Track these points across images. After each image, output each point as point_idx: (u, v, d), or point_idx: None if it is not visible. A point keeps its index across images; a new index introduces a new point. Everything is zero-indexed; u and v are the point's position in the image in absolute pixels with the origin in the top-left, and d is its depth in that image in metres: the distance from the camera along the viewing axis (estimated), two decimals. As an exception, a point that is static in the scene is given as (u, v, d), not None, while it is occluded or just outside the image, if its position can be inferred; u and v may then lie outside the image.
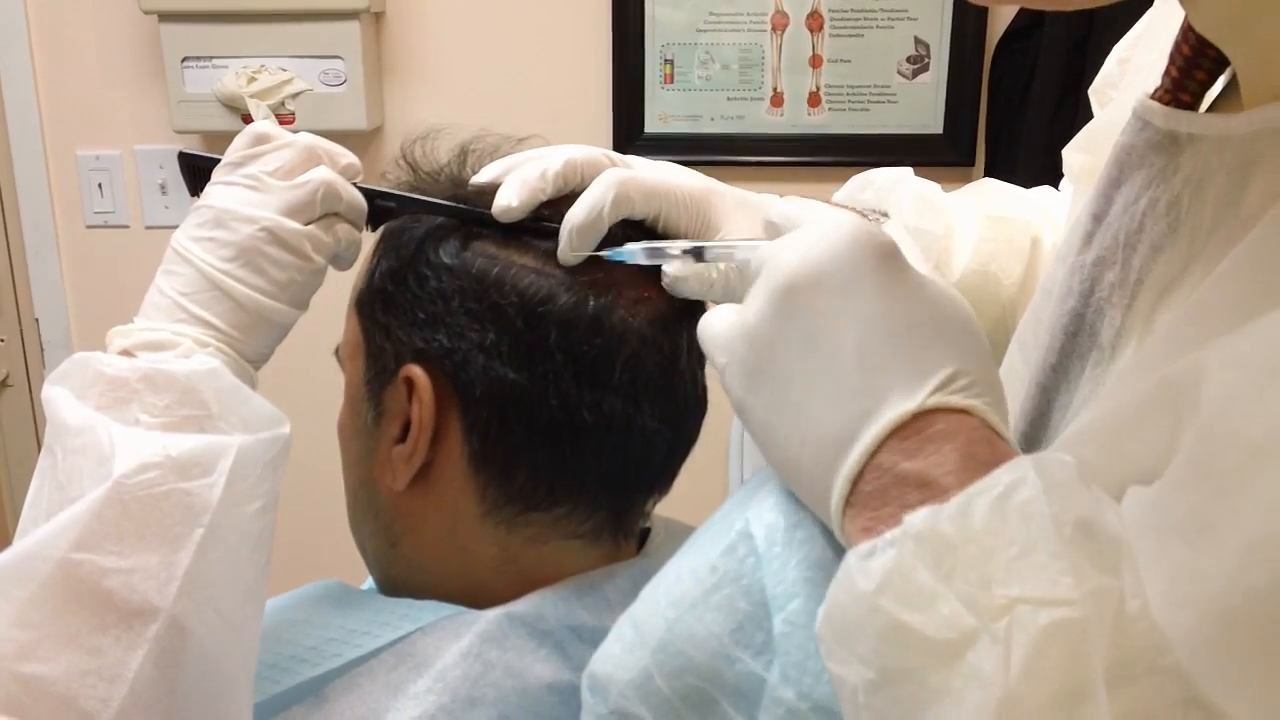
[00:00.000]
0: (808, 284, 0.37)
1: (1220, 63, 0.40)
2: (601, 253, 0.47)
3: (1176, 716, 0.28)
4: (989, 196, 0.66)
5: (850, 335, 0.36)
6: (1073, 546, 0.30)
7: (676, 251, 0.46)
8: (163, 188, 1.59)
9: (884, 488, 0.34)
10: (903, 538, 0.32)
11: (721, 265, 0.46)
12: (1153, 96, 0.41)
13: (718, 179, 0.54)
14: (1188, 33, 0.40)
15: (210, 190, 0.49)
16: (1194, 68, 0.40)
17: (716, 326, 0.40)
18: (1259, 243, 0.33)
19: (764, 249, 0.39)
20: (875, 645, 0.31)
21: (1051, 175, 0.67)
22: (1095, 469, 0.33)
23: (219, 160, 0.50)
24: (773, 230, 0.41)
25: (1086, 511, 0.30)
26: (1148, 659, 0.28)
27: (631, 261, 0.47)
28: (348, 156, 0.52)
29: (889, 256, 0.37)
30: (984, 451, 0.34)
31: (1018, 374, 0.48)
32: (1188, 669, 0.28)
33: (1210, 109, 0.41)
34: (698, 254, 0.46)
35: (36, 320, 1.65)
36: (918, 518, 0.32)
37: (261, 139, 0.50)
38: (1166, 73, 0.41)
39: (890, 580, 0.31)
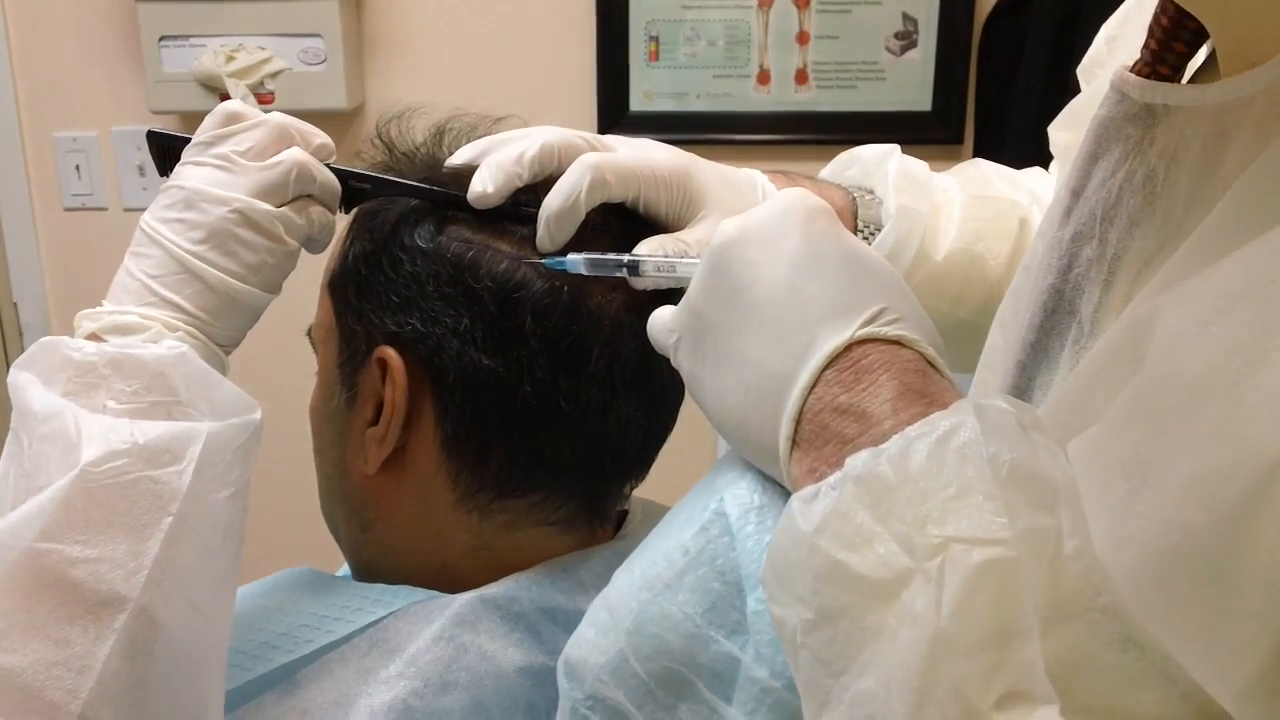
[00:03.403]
0: (741, 238, 0.39)
1: (1200, 35, 0.39)
2: (543, 260, 0.47)
3: (1113, 655, 0.28)
4: (976, 177, 0.66)
5: (781, 278, 0.37)
6: (1007, 488, 0.30)
7: (618, 264, 0.46)
8: (141, 169, 1.57)
9: (824, 423, 0.35)
10: (843, 480, 0.32)
11: (694, 255, 0.46)
12: (1131, 69, 0.41)
13: (704, 158, 0.53)
14: (1166, 3, 0.40)
15: (180, 170, 0.48)
16: (1172, 39, 0.40)
17: (662, 314, 0.43)
18: (1224, 213, 0.33)
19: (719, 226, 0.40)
20: (813, 585, 0.32)
21: (1041, 153, 0.67)
22: (1063, 420, 0.33)
23: (189, 139, 0.49)
24: None
25: (1022, 454, 0.31)
26: (1084, 598, 0.28)
27: (574, 271, 0.47)
28: (320, 137, 0.51)
29: (818, 213, 0.39)
30: (918, 381, 0.35)
31: (999, 352, 0.47)
32: (1127, 608, 0.28)
33: (1191, 81, 0.40)
34: (634, 267, 0.46)
35: (15, 304, 1.63)
36: (858, 460, 0.32)
37: (232, 118, 0.49)
38: (1145, 45, 0.40)
39: (829, 521, 0.32)
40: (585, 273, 0.47)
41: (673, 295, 0.50)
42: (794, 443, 0.36)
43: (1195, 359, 0.27)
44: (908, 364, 0.35)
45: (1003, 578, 0.29)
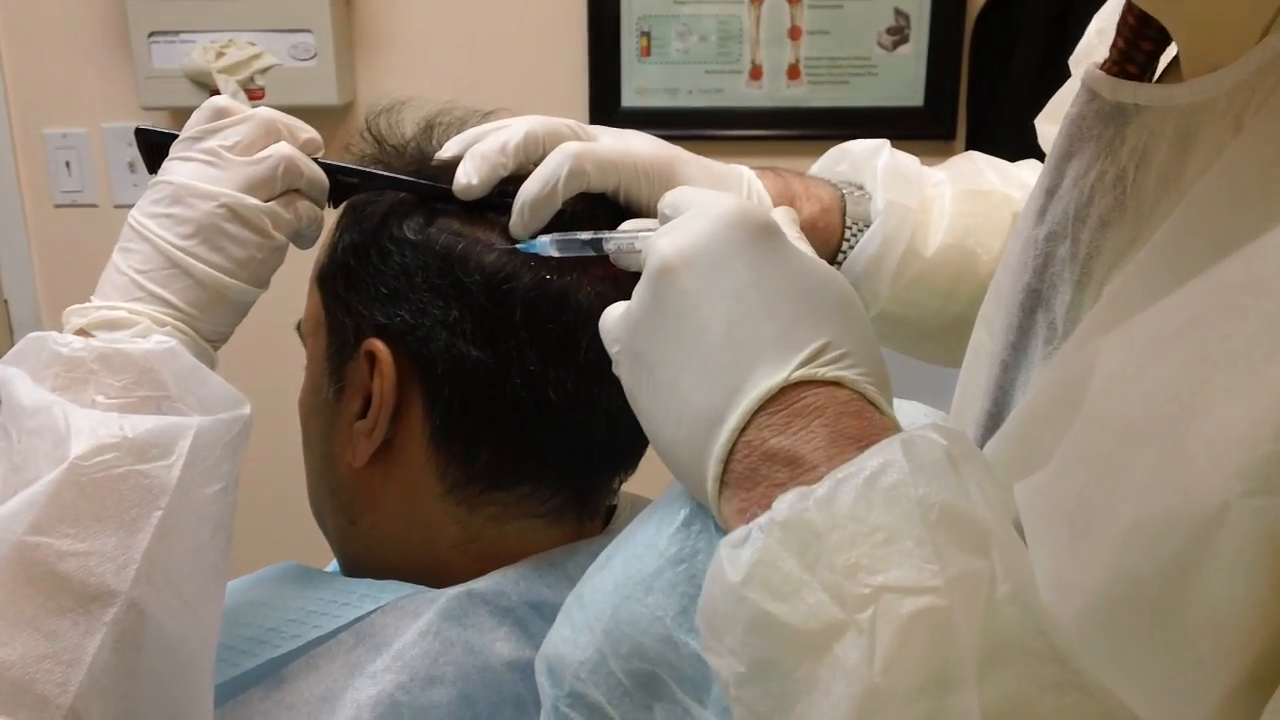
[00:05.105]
0: (680, 265, 0.36)
1: (1166, 32, 0.39)
2: (516, 245, 0.47)
3: (1050, 699, 0.27)
4: (968, 170, 0.65)
5: (720, 312, 0.35)
6: (938, 531, 0.29)
7: (583, 243, 0.46)
8: (131, 166, 1.57)
9: (754, 466, 0.34)
10: (770, 525, 0.31)
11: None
12: (1101, 67, 0.40)
13: (696, 153, 0.53)
14: (1132, 2, 0.39)
15: (168, 166, 0.48)
16: (1140, 38, 0.39)
17: (610, 318, 0.40)
18: (1177, 224, 0.33)
19: (650, 238, 0.39)
20: (744, 637, 0.31)
21: (1035, 148, 0.67)
22: (1011, 460, 0.32)
23: (177, 136, 0.49)
24: (663, 219, 0.41)
25: (952, 495, 0.30)
26: (1019, 642, 0.28)
27: (544, 253, 0.46)
28: (308, 131, 0.51)
29: (764, 232, 0.37)
30: (853, 425, 0.34)
31: (984, 349, 0.47)
32: (1069, 651, 0.27)
33: (1160, 79, 0.40)
34: (598, 245, 0.45)
35: (5, 302, 1.63)
36: (784, 504, 0.31)
37: (220, 113, 0.49)
38: (1114, 44, 0.40)
39: (756, 570, 0.31)
40: (555, 254, 0.46)
41: None
42: (723, 483, 0.35)
43: (1133, 403, 0.27)
44: (843, 406, 0.34)
45: (935, 627, 0.28)
